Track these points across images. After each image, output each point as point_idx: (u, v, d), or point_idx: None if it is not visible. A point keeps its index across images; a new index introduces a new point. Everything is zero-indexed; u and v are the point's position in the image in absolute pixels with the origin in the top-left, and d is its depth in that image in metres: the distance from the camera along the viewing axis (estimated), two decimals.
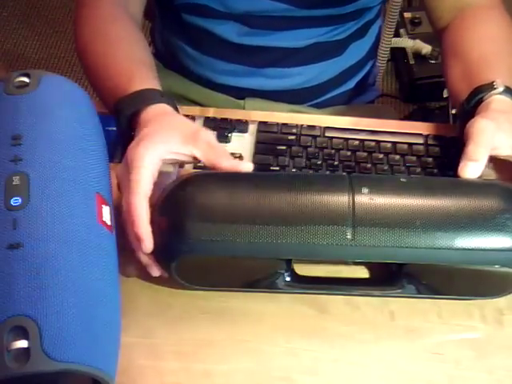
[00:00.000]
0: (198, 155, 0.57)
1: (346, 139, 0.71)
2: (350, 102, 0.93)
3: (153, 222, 0.54)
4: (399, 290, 0.56)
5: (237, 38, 0.81)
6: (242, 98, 0.86)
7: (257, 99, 0.86)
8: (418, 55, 1.60)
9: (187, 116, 0.72)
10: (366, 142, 0.71)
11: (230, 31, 0.81)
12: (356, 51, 0.89)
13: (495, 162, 0.62)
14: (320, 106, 0.89)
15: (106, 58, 0.69)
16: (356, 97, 0.93)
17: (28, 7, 2.06)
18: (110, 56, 0.69)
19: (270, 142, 0.71)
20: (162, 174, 0.57)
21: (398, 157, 0.70)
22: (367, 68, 0.94)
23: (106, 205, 0.53)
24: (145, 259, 0.56)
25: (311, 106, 0.89)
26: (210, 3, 0.78)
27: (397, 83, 1.72)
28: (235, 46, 0.82)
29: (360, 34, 0.87)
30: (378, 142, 0.71)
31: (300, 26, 0.81)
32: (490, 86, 0.65)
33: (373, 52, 0.95)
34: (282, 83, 0.86)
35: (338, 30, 0.83)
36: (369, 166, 0.69)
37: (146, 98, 0.61)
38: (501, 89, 0.64)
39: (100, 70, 0.69)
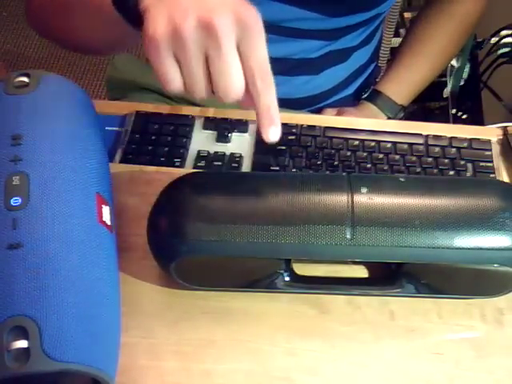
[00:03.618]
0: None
1: (346, 139, 0.71)
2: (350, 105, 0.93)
3: (151, 223, 0.54)
4: (399, 290, 0.57)
5: None
6: None
7: None
8: None
9: (187, 116, 0.72)
10: (365, 142, 0.71)
11: None
12: (360, 57, 0.89)
13: None
14: (320, 111, 0.89)
15: None
16: (357, 101, 0.93)
17: None
18: None
19: None
20: None
21: (397, 157, 0.70)
22: (369, 71, 0.94)
23: (106, 205, 0.53)
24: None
25: (311, 111, 0.89)
26: None
27: None
28: None
29: (367, 40, 0.88)
30: (378, 141, 0.71)
31: (315, 37, 0.81)
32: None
33: (375, 55, 0.96)
34: (285, 90, 0.86)
35: (348, 38, 0.83)
36: (369, 165, 0.69)
37: None
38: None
39: None
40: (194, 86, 0.48)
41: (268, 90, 0.47)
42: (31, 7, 0.70)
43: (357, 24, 0.82)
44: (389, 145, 0.71)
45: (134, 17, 0.50)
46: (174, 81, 0.48)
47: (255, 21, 0.46)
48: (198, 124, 0.72)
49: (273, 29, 0.78)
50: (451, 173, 0.69)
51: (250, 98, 0.48)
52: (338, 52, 0.85)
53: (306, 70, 0.85)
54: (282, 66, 0.83)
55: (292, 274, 0.56)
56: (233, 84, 0.47)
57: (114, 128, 0.71)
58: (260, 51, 0.47)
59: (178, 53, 0.47)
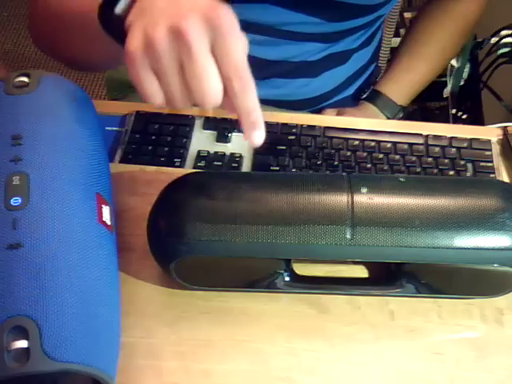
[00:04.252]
0: None
1: (346, 139, 0.71)
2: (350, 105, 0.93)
3: (151, 223, 0.54)
4: (398, 290, 0.56)
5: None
6: None
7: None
8: None
9: (187, 116, 0.73)
10: (365, 142, 0.71)
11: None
12: (360, 58, 0.89)
13: None
14: (321, 112, 0.90)
15: None
16: (357, 101, 0.94)
17: (28, 7, 2.06)
18: None
19: (269, 141, 0.71)
20: None
21: (397, 157, 0.70)
22: (369, 72, 0.94)
23: (106, 205, 0.53)
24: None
25: (311, 112, 0.89)
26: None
27: None
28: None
29: (367, 42, 0.88)
30: (378, 141, 0.71)
31: (315, 40, 0.81)
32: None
33: (375, 56, 0.96)
34: (285, 93, 0.86)
35: (348, 41, 0.83)
36: (369, 165, 0.69)
37: None
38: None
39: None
40: (173, 96, 0.47)
41: (247, 93, 0.46)
42: (35, 26, 0.70)
43: (357, 27, 0.82)
44: (389, 145, 0.71)
45: (121, 36, 0.49)
46: (154, 94, 0.47)
47: (228, 21, 0.45)
48: (198, 124, 0.72)
49: (273, 32, 0.78)
50: (451, 173, 0.69)
51: (231, 102, 0.47)
52: (337, 54, 0.85)
53: (306, 72, 0.85)
54: (281, 69, 0.83)
55: (292, 274, 0.56)
56: (209, 89, 0.45)
57: (114, 128, 0.71)
58: (235, 53, 0.45)
59: (154, 65, 0.46)
